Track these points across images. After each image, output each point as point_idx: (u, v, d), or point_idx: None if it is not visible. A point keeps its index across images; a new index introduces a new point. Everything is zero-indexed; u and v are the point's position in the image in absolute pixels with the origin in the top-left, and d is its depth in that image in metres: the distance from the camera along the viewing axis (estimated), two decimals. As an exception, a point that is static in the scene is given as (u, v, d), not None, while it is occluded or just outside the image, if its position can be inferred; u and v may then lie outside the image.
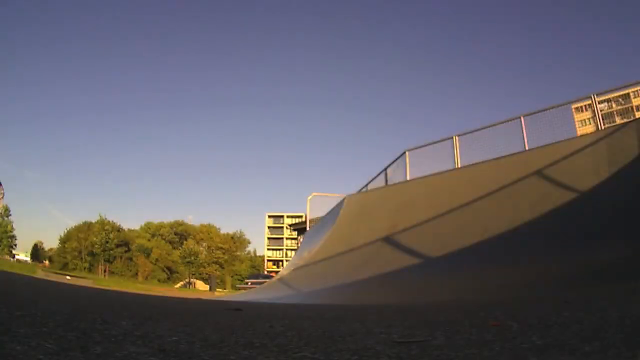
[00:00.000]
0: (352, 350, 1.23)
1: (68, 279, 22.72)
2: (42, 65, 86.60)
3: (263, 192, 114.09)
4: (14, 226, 53.48)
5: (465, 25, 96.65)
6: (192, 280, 57.38)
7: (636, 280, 2.89)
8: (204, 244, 67.49)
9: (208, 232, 69.12)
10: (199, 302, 4.52)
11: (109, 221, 57.01)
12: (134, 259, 57.28)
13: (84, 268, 52.88)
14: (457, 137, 9.31)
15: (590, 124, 9.66)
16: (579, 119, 9.49)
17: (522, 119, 8.19)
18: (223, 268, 64.70)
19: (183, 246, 62.88)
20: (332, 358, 1.13)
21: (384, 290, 5.61)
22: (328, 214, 12.53)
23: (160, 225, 70.01)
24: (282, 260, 70.65)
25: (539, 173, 6.58)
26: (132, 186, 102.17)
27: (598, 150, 6.11)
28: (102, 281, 32.48)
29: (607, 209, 4.97)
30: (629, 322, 1.50)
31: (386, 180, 11.31)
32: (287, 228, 68.21)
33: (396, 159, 10.91)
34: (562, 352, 1.10)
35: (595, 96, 7.46)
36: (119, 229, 58.06)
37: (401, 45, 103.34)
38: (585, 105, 8.73)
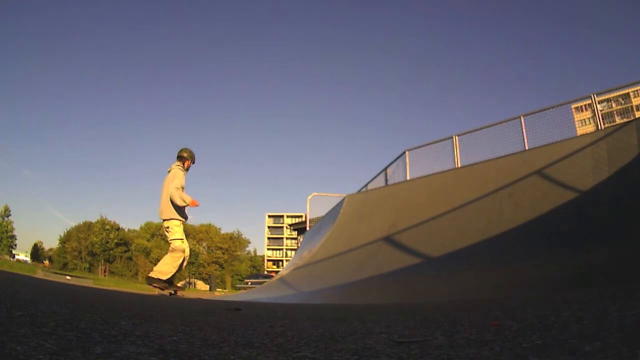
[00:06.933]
0: (352, 350, 1.23)
1: (68, 279, 22.70)
2: (42, 63, 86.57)
3: (263, 192, 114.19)
4: (14, 226, 53.53)
5: (465, 24, 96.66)
6: (192, 280, 57.39)
7: (636, 281, 2.89)
8: (204, 244, 67.47)
9: (208, 232, 69.10)
10: (199, 302, 4.52)
11: (109, 221, 57.05)
12: (133, 259, 57.26)
13: (84, 268, 52.86)
14: (457, 137, 9.31)
15: (590, 123, 9.66)
16: (579, 119, 9.48)
17: (522, 118, 8.20)
18: (223, 268, 64.71)
19: (183, 246, 62.83)
20: (332, 358, 1.13)
21: (384, 290, 5.61)
22: (328, 214, 12.53)
23: (160, 225, 69.99)
24: (282, 260, 70.67)
25: (539, 173, 6.58)
26: (132, 186, 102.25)
27: (598, 150, 6.11)
28: (102, 281, 32.50)
29: (607, 209, 4.97)
30: (629, 322, 1.50)
31: (386, 180, 11.31)
32: (287, 228, 68.23)
33: (396, 159, 10.92)
34: (562, 352, 1.10)
35: (595, 96, 7.46)
36: (119, 229, 58.06)
37: (401, 44, 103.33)
38: (585, 105, 8.73)
